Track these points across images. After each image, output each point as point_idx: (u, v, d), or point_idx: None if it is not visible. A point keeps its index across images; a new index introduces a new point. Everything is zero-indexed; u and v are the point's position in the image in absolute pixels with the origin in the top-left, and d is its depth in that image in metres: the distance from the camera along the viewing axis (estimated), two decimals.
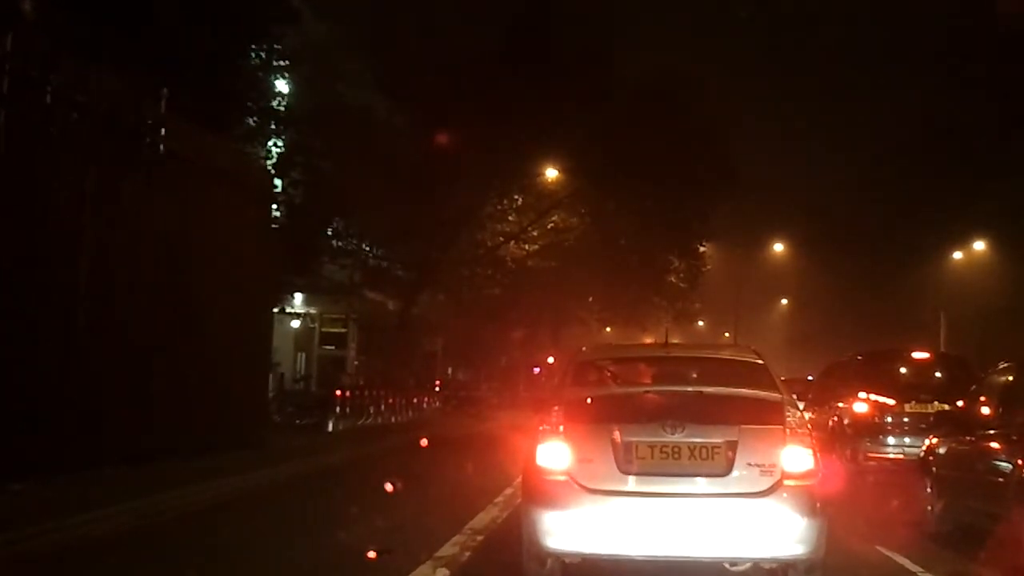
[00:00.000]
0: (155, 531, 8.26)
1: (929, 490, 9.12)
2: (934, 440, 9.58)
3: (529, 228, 29.52)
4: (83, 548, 7.40)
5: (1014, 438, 7.46)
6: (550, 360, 39.88)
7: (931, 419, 11.97)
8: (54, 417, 10.13)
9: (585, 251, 30.34)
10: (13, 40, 9.39)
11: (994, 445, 7.82)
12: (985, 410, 8.54)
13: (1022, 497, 6.88)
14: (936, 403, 12.23)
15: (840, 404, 14.29)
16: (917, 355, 14.87)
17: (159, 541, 7.90)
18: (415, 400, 27.56)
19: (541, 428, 5.78)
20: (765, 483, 5.43)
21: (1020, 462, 7.15)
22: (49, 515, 7.91)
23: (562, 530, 5.53)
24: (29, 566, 6.80)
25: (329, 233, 23.96)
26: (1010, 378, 8.32)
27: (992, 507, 7.48)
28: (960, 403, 9.63)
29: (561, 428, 5.67)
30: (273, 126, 19.28)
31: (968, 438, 8.54)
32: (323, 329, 31.81)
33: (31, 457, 9.57)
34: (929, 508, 9.05)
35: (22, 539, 7.24)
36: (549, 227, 29.93)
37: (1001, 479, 7.31)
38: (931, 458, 9.38)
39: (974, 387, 9.40)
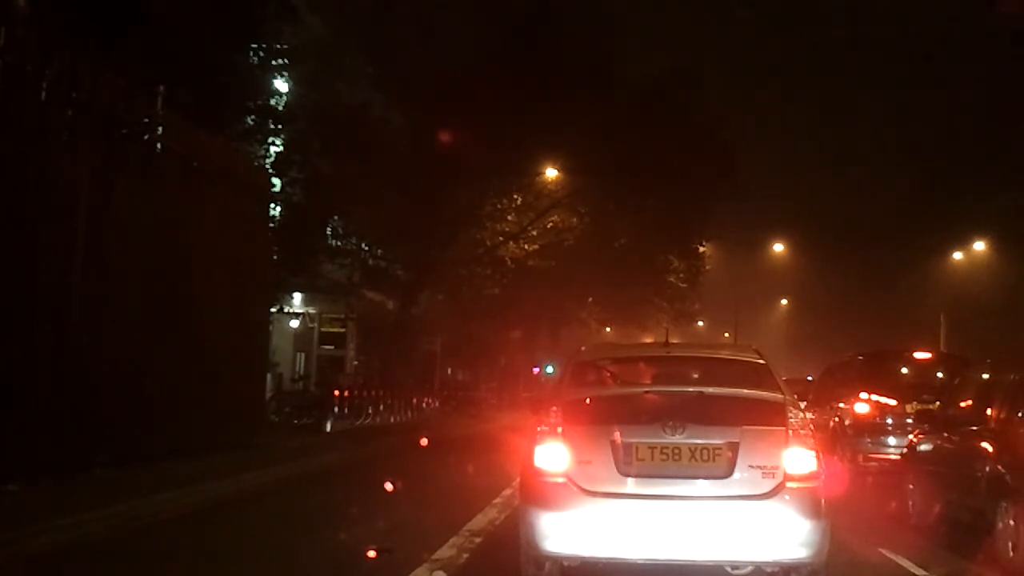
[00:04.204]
0: (150, 532, 8.20)
1: (911, 485, 9.41)
2: (917, 437, 9.95)
3: (528, 228, 29.46)
4: (78, 549, 7.34)
5: (989, 434, 7.74)
6: (549, 369, 39.63)
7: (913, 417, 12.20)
8: (48, 418, 10.03)
9: (585, 251, 30.30)
10: (7, 35, 9.31)
11: (971, 441, 8.09)
12: (964, 407, 8.80)
13: (996, 491, 7.20)
14: (938, 403, 12.16)
15: (841, 405, 14.21)
16: (918, 355, 14.83)
17: (154, 542, 7.85)
18: (414, 400, 27.49)
19: (539, 429, 5.71)
20: (767, 485, 5.36)
21: (994, 457, 7.48)
22: (44, 516, 7.84)
23: (560, 533, 5.45)
24: (25, 567, 6.74)
25: (328, 232, 23.87)
26: (987, 376, 8.66)
27: (969, 501, 7.85)
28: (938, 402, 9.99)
29: (560, 429, 5.60)
30: (271, 125, 19.17)
31: (947, 435, 8.89)
32: (322, 329, 31.77)
33: (25, 458, 9.48)
34: (911, 503, 9.37)
35: (18, 540, 7.17)
36: (548, 227, 29.87)
37: (977, 474, 7.63)
38: (913, 455, 9.72)
39: (956, 383, 9.70)
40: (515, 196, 28.95)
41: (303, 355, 31.13)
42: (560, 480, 5.47)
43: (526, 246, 29.79)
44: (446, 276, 29.78)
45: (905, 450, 10.40)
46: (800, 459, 5.43)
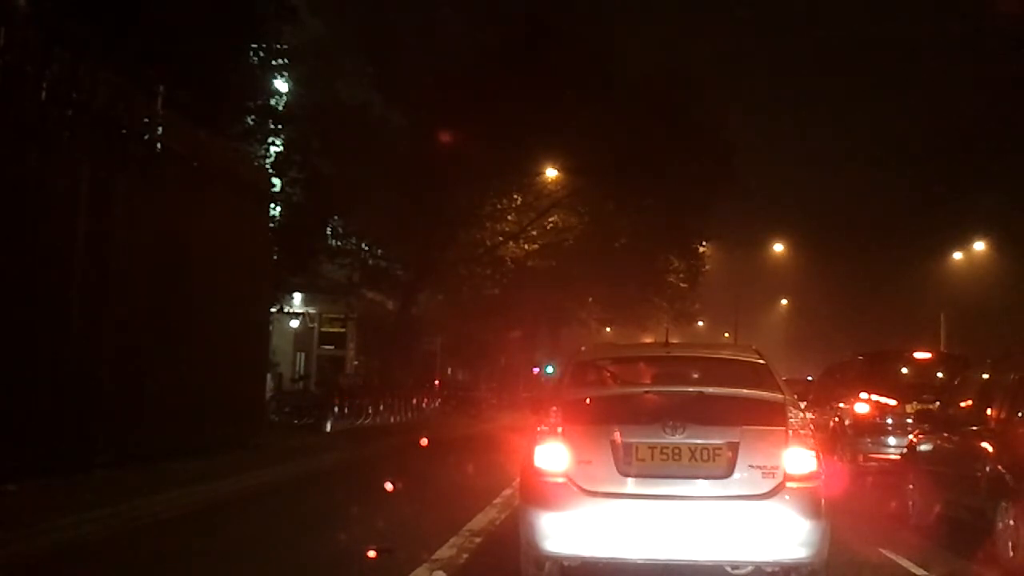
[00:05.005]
0: (151, 532, 8.20)
1: (911, 485, 9.46)
2: (917, 437, 9.99)
3: (528, 228, 29.45)
4: (78, 549, 7.35)
5: (989, 434, 7.77)
6: (549, 369, 39.58)
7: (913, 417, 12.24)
8: (48, 418, 10.03)
9: (585, 251, 30.28)
10: (7, 35, 9.30)
11: (971, 441, 8.12)
12: (964, 407, 8.82)
13: (996, 491, 7.23)
14: (938, 403, 12.17)
15: (841, 405, 14.22)
16: (918, 355, 14.84)
17: (154, 542, 7.85)
18: (414, 400, 27.48)
19: (539, 429, 5.71)
20: (767, 485, 5.36)
21: (994, 457, 7.51)
22: (44, 516, 7.84)
23: (560, 533, 5.45)
24: (25, 567, 6.74)
25: (328, 232, 23.88)
26: (986, 376, 8.64)
27: (969, 501, 7.88)
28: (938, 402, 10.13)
29: (560, 429, 5.60)
30: (271, 125, 19.17)
31: (947, 435, 8.93)
32: (322, 329, 31.79)
33: (26, 458, 9.48)
34: (911, 503, 9.42)
35: (18, 540, 7.18)
36: (548, 227, 29.85)
37: (977, 474, 7.66)
38: (913, 455, 9.77)
39: (956, 383, 9.72)
40: (515, 196, 28.93)
41: (303, 355, 31.14)
42: (560, 480, 5.47)
43: (526, 246, 29.77)
44: (446, 276, 29.77)
45: (905, 450, 10.43)
46: (800, 459, 5.42)
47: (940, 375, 13.66)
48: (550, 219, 29.66)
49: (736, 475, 5.37)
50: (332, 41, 23.76)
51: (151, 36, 13.41)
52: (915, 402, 12.86)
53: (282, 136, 19.80)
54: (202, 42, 14.53)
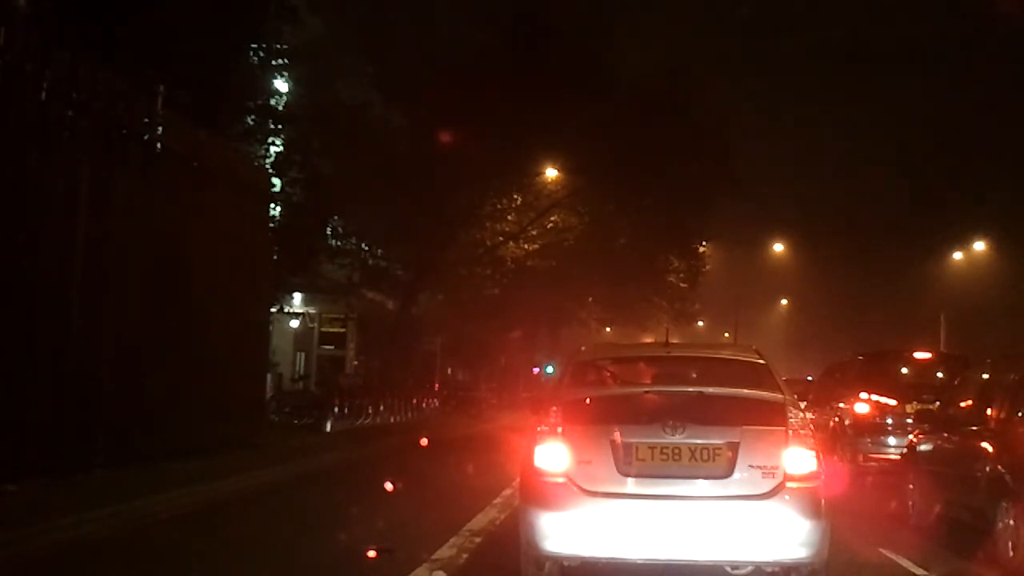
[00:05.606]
0: (150, 532, 8.21)
1: (911, 485, 9.47)
2: (917, 437, 10.01)
3: (528, 228, 29.45)
4: (78, 549, 7.35)
5: (989, 434, 7.78)
6: (549, 369, 39.56)
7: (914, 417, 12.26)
8: (49, 418, 10.03)
9: (585, 251, 30.28)
10: (7, 35, 9.30)
11: (971, 441, 8.13)
12: (964, 407, 8.83)
13: (996, 491, 7.23)
14: (938, 403, 12.17)
15: (841, 405, 14.23)
16: (918, 355, 14.86)
17: (154, 543, 7.85)
18: (414, 400, 27.49)
19: (539, 429, 5.71)
20: (767, 485, 5.36)
21: (994, 457, 7.51)
22: (44, 516, 7.85)
23: (560, 533, 5.45)
24: (25, 567, 6.74)
25: (328, 232, 23.88)
26: (986, 376, 8.63)
27: (969, 501, 7.89)
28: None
29: (560, 429, 5.60)
30: (271, 125, 19.17)
31: (947, 435, 8.94)
32: (322, 329, 31.80)
33: (26, 458, 9.48)
34: (911, 503, 9.44)
35: (18, 540, 7.18)
36: (548, 227, 29.86)
37: (977, 474, 7.66)
38: (913, 455, 9.78)
39: (956, 383, 9.75)
40: (515, 196, 28.94)
41: (303, 355, 31.15)
42: (560, 480, 5.47)
43: (526, 246, 29.77)
44: (446, 276, 29.77)
45: (905, 450, 10.45)
46: (800, 459, 5.42)
47: (940, 375, 13.67)
48: (550, 219, 29.67)
49: (736, 475, 5.37)
50: (332, 41, 23.76)
51: (151, 36, 13.40)
52: (915, 402, 12.86)
53: (282, 136, 19.80)
54: (202, 42, 14.53)
